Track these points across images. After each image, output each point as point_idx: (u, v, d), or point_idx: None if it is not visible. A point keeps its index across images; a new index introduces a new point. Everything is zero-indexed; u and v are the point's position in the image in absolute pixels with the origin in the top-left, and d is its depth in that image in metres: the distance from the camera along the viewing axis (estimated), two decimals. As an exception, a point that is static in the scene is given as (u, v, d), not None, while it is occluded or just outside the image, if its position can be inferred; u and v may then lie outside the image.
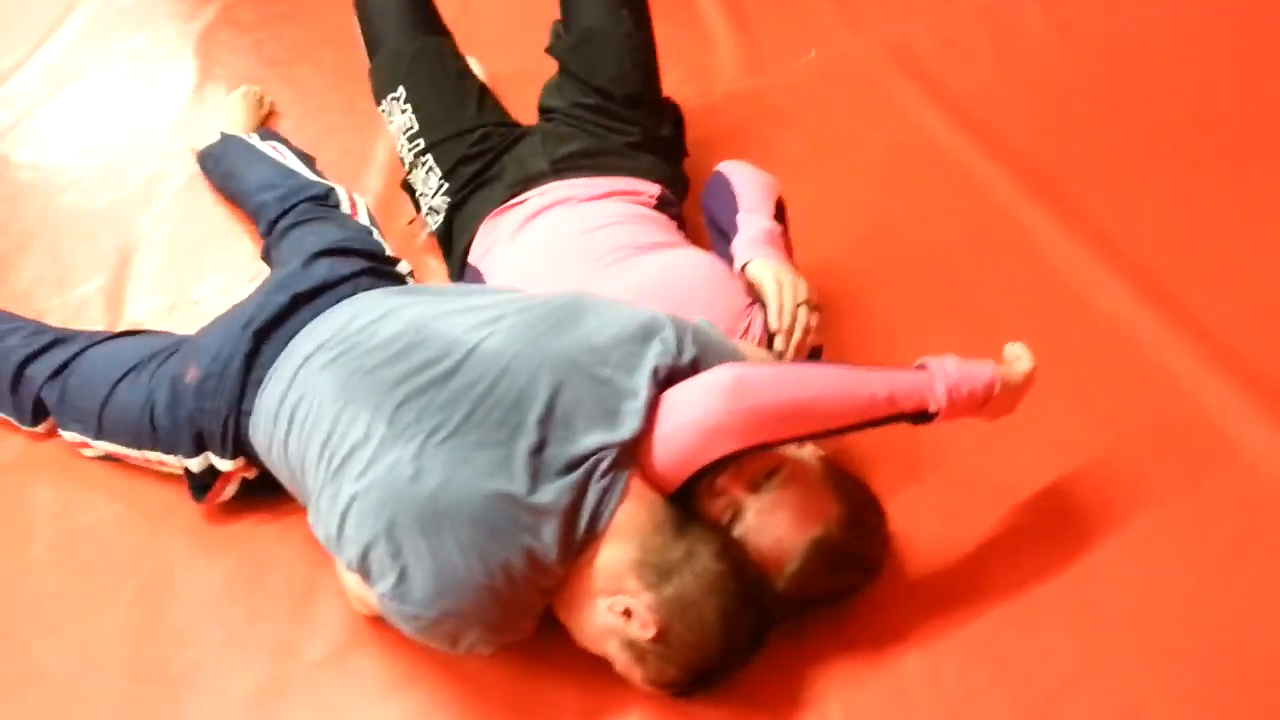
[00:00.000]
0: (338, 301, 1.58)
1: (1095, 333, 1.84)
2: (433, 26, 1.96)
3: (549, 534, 1.28)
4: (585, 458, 1.31)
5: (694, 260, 1.66)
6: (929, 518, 1.55)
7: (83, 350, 1.73)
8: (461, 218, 1.85)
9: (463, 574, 1.27)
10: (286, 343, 1.53)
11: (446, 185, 1.86)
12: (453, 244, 1.86)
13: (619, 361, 1.37)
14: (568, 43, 1.98)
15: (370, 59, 1.98)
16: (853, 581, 1.41)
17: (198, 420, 1.56)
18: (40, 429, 1.76)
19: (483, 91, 1.95)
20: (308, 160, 2.12)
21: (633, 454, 1.33)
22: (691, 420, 1.32)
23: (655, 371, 1.36)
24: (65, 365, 1.72)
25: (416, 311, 1.48)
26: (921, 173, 2.20)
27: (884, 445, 1.53)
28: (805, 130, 2.32)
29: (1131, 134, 2.25)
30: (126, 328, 1.95)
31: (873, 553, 1.42)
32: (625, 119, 1.91)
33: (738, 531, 1.35)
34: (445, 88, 1.90)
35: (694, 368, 1.39)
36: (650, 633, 1.27)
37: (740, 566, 1.31)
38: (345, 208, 1.95)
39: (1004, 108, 2.32)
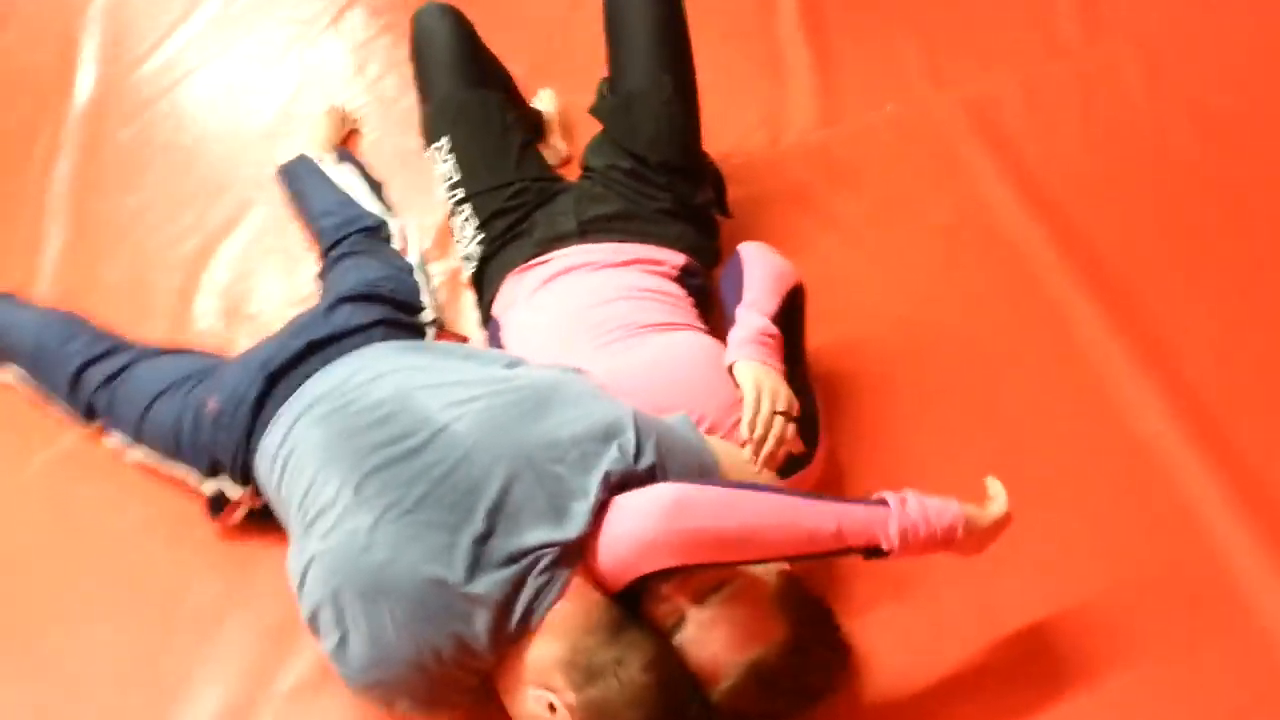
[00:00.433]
0: (350, 351, 1.67)
1: (1123, 453, 1.75)
2: (484, 79, 2.01)
3: (481, 623, 1.33)
4: (527, 553, 1.36)
5: (695, 346, 1.68)
6: (900, 640, 1.54)
7: (134, 362, 1.87)
8: (491, 269, 1.91)
9: (394, 649, 1.34)
10: (298, 386, 1.63)
11: (482, 236, 1.92)
12: (483, 292, 1.93)
13: (575, 460, 1.40)
14: (609, 104, 2.01)
15: (420, 106, 2.04)
16: (792, 706, 1.41)
17: (212, 449, 1.68)
18: (92, 428, 1.91)
19: (525, 146, 1.99)
20: (375, 186, 2.22)
21: (576, 554, 1.36)
22: (629, 533, 1.35)
23: (607, 476, 1.39)
24: (117, 374, 1.86)
25: (405, 380, 1.55)
26: (977, 250, 2.14)
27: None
28: (867, 190, 2.29)
29: (1214, 232, 2.11)
30: (187, 334, 2.11)
31: (815, 681, 1.41)
32: (658, 185, 1.92)
33: (678, 640, 1.37)
34: (487, 141, 1.95)
35: (651, 474, 1.41)
36: None
37: (669, 679, 1.32)
38: (396, 242, 2.05)
39: (1079, 185, 2.23)
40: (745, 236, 2.14)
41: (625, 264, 1.81)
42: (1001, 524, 1.43)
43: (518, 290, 1.84)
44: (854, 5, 2.73)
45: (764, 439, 1.51)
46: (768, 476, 1.52)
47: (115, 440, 1.85)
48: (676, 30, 1.98)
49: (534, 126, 2.25)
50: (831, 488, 1.71)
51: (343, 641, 1.36)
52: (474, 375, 1.55)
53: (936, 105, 2.47)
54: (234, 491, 1.70)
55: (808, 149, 2.40)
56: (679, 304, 1.79)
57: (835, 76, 2.57)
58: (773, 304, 1.66)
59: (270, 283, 2.23)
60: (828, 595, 1.53)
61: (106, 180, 2.51)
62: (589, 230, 1.86)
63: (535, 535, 1.36)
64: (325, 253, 2.07)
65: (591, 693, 1.30)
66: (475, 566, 1.34)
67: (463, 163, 1.94)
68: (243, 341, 1.99)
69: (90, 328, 1.99)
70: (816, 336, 1.92)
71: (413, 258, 2.02)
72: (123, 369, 1.87)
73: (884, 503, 1.38)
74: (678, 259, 1.86)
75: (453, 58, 1.97)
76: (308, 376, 1.63)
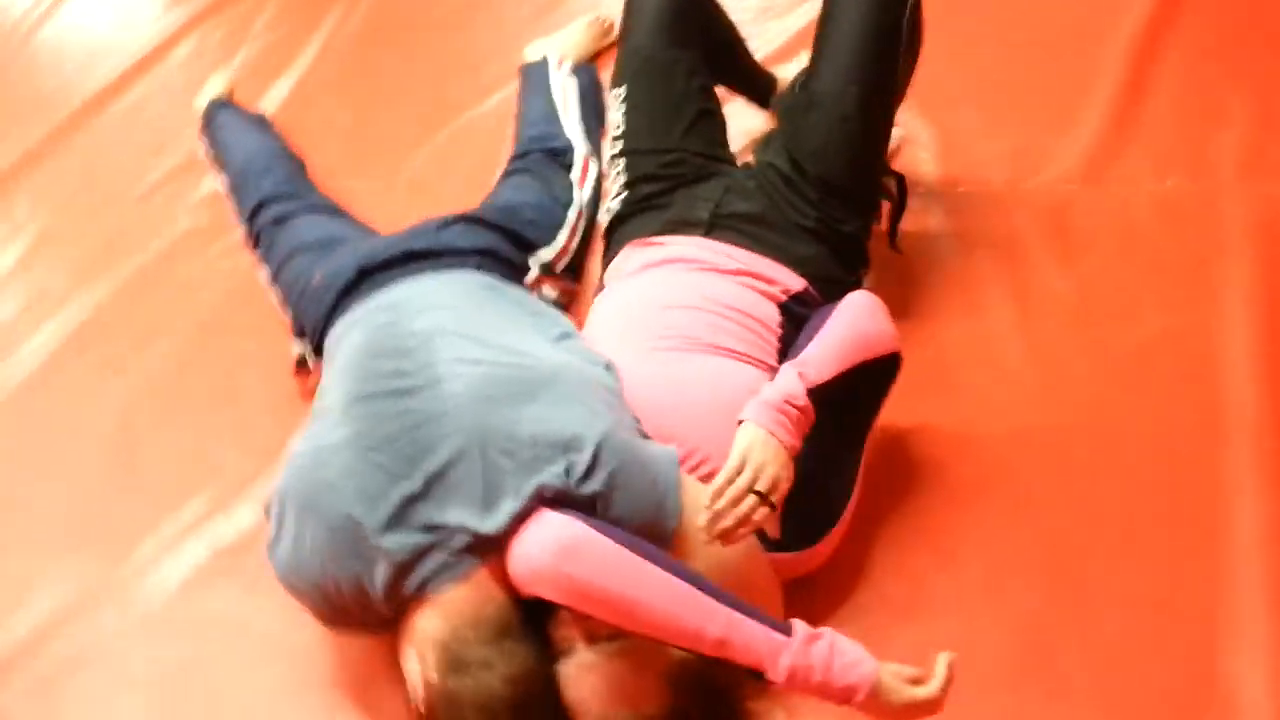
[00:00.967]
0: (437, 270, 1.73)
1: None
2: (686, 38, 1.91)
3: (380, 575, 1.39)
4: (443, 528, 1.38)
5: (736, 383, 1.57)
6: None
7: (300, 213, 2.05)
8: (620, 232, 1.87)
9: (306, 566, 1.43)
10: (379, 288, 1.71)
11: (625, 195, 1.88)
12: (608, 252, 1.91)
13: (525, 460, 1.38)
14: (790, 100, 1.87)
15: (617, 44, 1.99)
16: None
17: (302, 317, 1.83)
18: (255, 255, 2.12)
19: (701, 117, 1.90)
20: (594, 110, 2.22)
21: (490, 548, 1.37)
22: (523, 554, 1.33)
23: (541, 488, 1.36)
24: (283, 219, 2.05)
25: (443, 320, 1.58)
26: (1167, 381, 1.81)
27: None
28: (1084, 269, 1.98)
29: None
30: (380, 196, 2.27)
31: None
32: (808, 199, 1.78)
33: (562, 668, 1.35)
34: (662, 103, 1.88)
35: (592, 501, 1.37)
36: (419, 708, 1.35)
37: (526, 701, 1.31)
38: (575, 172, 2.06)
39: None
40: (911, 279, 1.99)
41: (732, 273, 1.72)
42: (920, 708, 1.28)
43: (628, 263, 1.80)
44: (1204, 52, 2.31)
45: (724, 513, 1.40)
46: (716, 550, 1.41)
47: (262, 276, 2.05)
48: (888, 44, 1.79)
49: (765, 86, 2.14)
50: (831, 575, 1.59)
51: (275, 538, 1.47)
52: (502, 339, 1.56)
53: (1228, 194, 2.06)
54: (311, 360, 1.84)
55: (1046, 201, 2.11)
56: (763, 333, 1.67)
57: (1132, 125, 2.20)
58: (827, 370, 1.51)
59: (452, 170, 2.31)
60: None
61: (385, 35, 2.69)
62: (718, 225, 1.77)
63: (457, 515, 1.38)
64: (510, 160, 2.12)
65: (450, 682, 1.33)
66: (394, 521, 1.39)
67: (631, 117, 1.89)
68: (413, 217, 2.10)
69: (289, 169, 2.19)
70: (912, 413, 1.74)
71: (582, 193, 2.03)
72: (289, 215, 2.05)
73: (789, 631, 1.28)
74: (795, 283, 1.73)
75: (659, 9, 1.89)
76: (390, 283, 1.71)
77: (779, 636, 1.27)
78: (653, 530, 1.40)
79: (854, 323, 1.58)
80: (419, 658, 1.37)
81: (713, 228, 1.77)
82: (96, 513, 1.92)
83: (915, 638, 1.49)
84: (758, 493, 1.39)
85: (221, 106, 2.43)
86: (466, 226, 1.84)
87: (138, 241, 2.38)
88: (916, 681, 1.28)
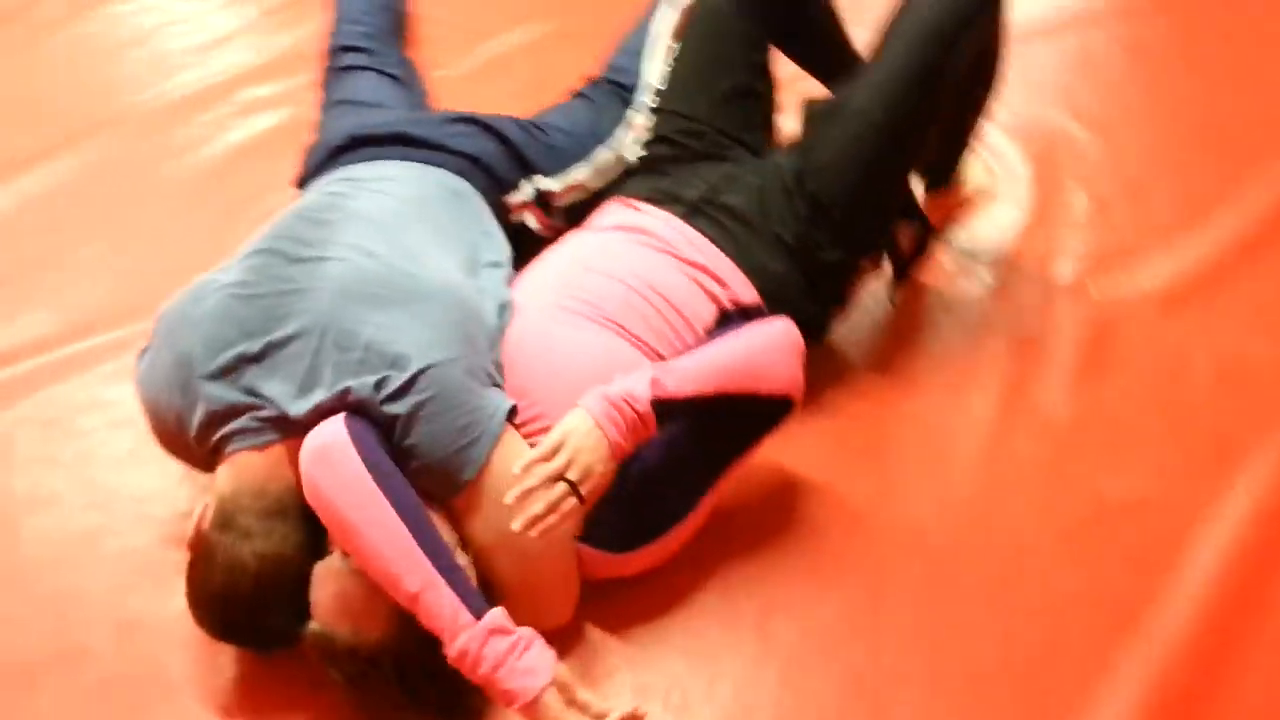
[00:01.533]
0: (415, 160, 1.71)
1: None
2: (765, 10, 1.77)
3: (195, 417, 1.43)
4: (258, 396, 1.40)
5: (618, 363, 1.48)
6: None
7: (365, 69, 2.09)
8: (619, 183, 1.80)
9: (150, 383, 1.49)
10: (363, 160, 1.73)
11: (641, 151, 1.80)
12: (602, 196, 1.82)
13: (352, 360, 1.38)
14: (819, 107, 1.72)
15: None
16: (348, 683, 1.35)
17: (308, 166, 1.84)
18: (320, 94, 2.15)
19: (741, 94, 1.77)
20: None
21: (291, 430, 1.38)
22: (302, 446, 1.33)
23: (346, 390, 1.36)
24: (349, 68, 2.10)
25: (373, 206, 1.59)
26: (1113, 552, 1.59)
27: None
28: (1088, 400, 1.76)
29: None
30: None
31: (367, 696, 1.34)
32: (796, 214, 1.65)
33: (317, 567, 1.35)
34: (707, 68, 1.77)
35: (391, 421, 1.36)
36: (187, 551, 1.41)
37: (267, 581, 1.33)
38: (636, 115, 1.96)
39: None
40: (900, 337, 1.84)
41: (688, 263, 1.62)
42: None
43: (605, 217, 1.73)
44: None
45: (533, 495, 1.33)
46: (505, 516, 1.35)
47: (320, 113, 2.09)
48: (929, 79, 1.62)
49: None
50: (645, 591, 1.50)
51: (146, 348, 1.54)
52: (412, 243, 1.54)
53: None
54: None
55: (1101, 312, 1.89)
56: (682, 330, 1.57)
57: (1243, 271, 1.94)
58: (688, 387, 1.40)
59: (549, 65, 2.27)
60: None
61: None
62: (700, 212, 1.67)
63: (276, 389, 1.40)
64: (589, 81, 2.04)
65: (212, 536, 1.36)
66: (222, 374, 1.42)
67: (674, 72, 1.79)
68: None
69: (379, 25, 2.22)
70: (829, 469, 1.63)
71: (623, 134, 1.93)
72: (355, 67, 2.09)
73: (480, 615, 1.26)
74: (748, 295, 1.62)
75: None
76: (373, 158, 1.72)
77: (466, 617, 1.25)
78: (444, 473, 1.37)
79: (748, 349, 1.47)
80: (205, 504, 1.41)
81: (695, 212, 1.67)
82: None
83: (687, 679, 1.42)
84: (568, 480, 1.33)
85: None
86: (471, 129, 1.81)
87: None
88: (596, 715, 1.25)
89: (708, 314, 1.59)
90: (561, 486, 1.33)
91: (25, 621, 1.55)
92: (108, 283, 2.01)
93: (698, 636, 1.50)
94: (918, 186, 1.83)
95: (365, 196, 1.62)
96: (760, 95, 1.80)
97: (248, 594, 1.33)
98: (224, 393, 1.41)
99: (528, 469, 1.33)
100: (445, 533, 1.35)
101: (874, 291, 1.88)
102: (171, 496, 1.66)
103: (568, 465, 1.33)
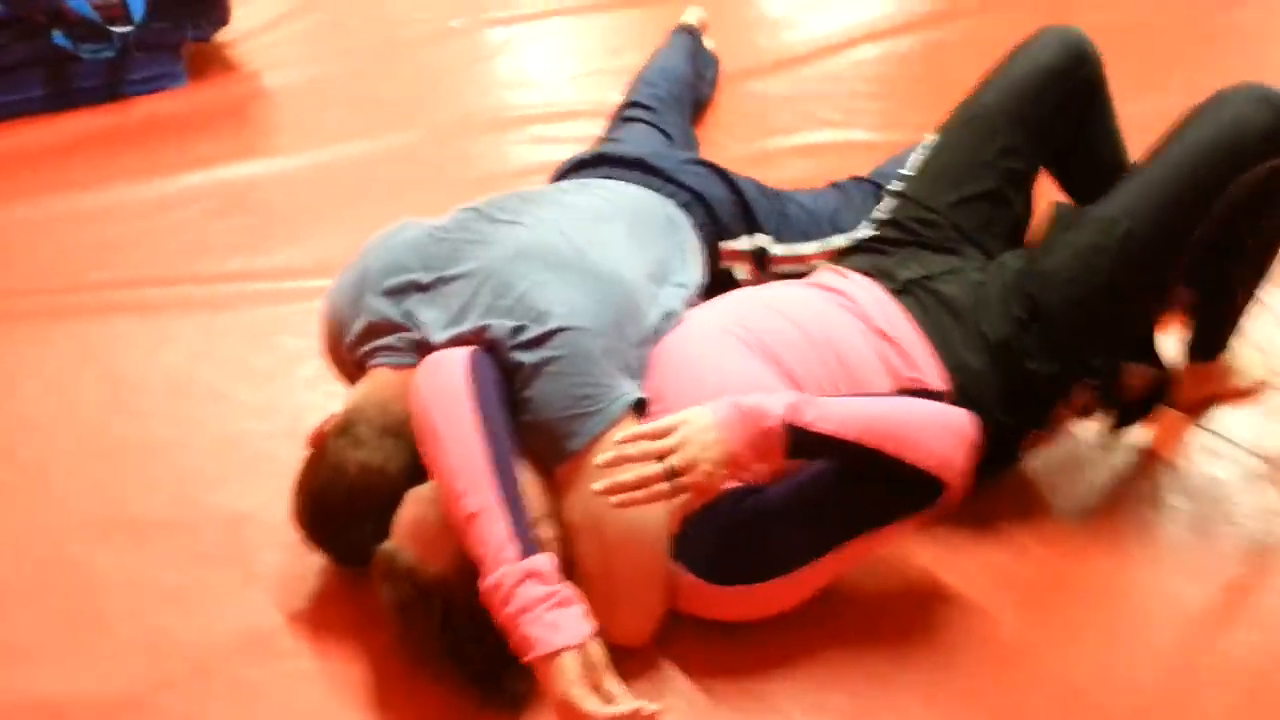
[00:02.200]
0: (648, 187, 1.73)
1: None
2: (1034, 121, 1.63)
3: (354, 328, 1.50)
4: (411, 320, 1.45)
5: (762, 390, 1.35)
6: None
7: (644, 121, 2.17)
8: (843, 257, 1.71)
9: (333, 292, 1.57)
10: (602, 176, 1.77)
11: (869, 232, 1.70)
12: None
13: (502, 306, 1.39)
14: (1062, 212, 1.55)
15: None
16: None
17: (554, 176, 1.92)
18: None
19: (987, 197, 1.63)
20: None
21: (427, 354, 1.39)
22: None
23: (485, 328, 1.36)
24: (629, 119, 2.19)
25: (587, 201, 1.63)
26: None
27: None
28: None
29: None
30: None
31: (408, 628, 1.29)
32: (1008, 315, 1.49)
33: (412, 490, 1.34)
34: (958, 165, 1.64)
35: (516, 368, 1.34)
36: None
37: (362, 491, 1.34)
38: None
39: None
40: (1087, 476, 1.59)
41: (876, 332, 1.49)
42: (570, 710, 1.16)
43: (809, 277, 1.65)
44: None
45: (624, 460, 1.23)
46: (603, 505, 1.25)
47: None
48: (1196, 197, 1.43)
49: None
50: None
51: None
52: (603, 235, 1.53)
53: None
54: None
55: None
56: (843, 395, 1.43)
57: None
58: (830, 424, 1.25)
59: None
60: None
61: None
62: (909, 292, 1.55)
63: (427, 316, 1.43)
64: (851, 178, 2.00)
65: (329, 438, 1.39)
66: (389, 293, 1.48)
67: (925, 163, 1.69)
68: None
69: (669, 92, 2.28)
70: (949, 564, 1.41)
71: (865, 228, 1.86)
72: (636, 120, 2.18)
73: (525, 555, 1.19)
74: (936, 383, 1.46)
75: (1023, 89, 1.63)
76: (609, 176, 1.76)
77: (511, 551, 1.18)
78: (553, 437, 1.32)
79: (909, 412, 1.31)
80: (340, 408, 1.44)
81: (903, 291, 1.55)
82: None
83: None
84: (673, 468, 1.22)
85: (685, 30, 2.56)
86: (707, 171, 1.81)
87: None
88: (605, 696, 1.14)
89: (882, 387, 1.44)
90: (658, 466, 1.23)
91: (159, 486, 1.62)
92: (359, 239, 2.13)
93: (773, 712, 1.31)
94: (1171, 343, 1.62)
95: (582, 194, 1.66)
96: (1008, 204, 1.64)
97: (340, 497, 1.34)
98: (385, 309, 1.46)
99: (632, 438, 1.25)
100: (537, 499, 1.29)
101: (1095, 441, 1.66)
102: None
103: (673, 449, 1.23)
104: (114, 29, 2.50)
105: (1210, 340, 1.66)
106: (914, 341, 1.48)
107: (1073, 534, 1.55)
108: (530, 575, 1.17)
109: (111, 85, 2.60)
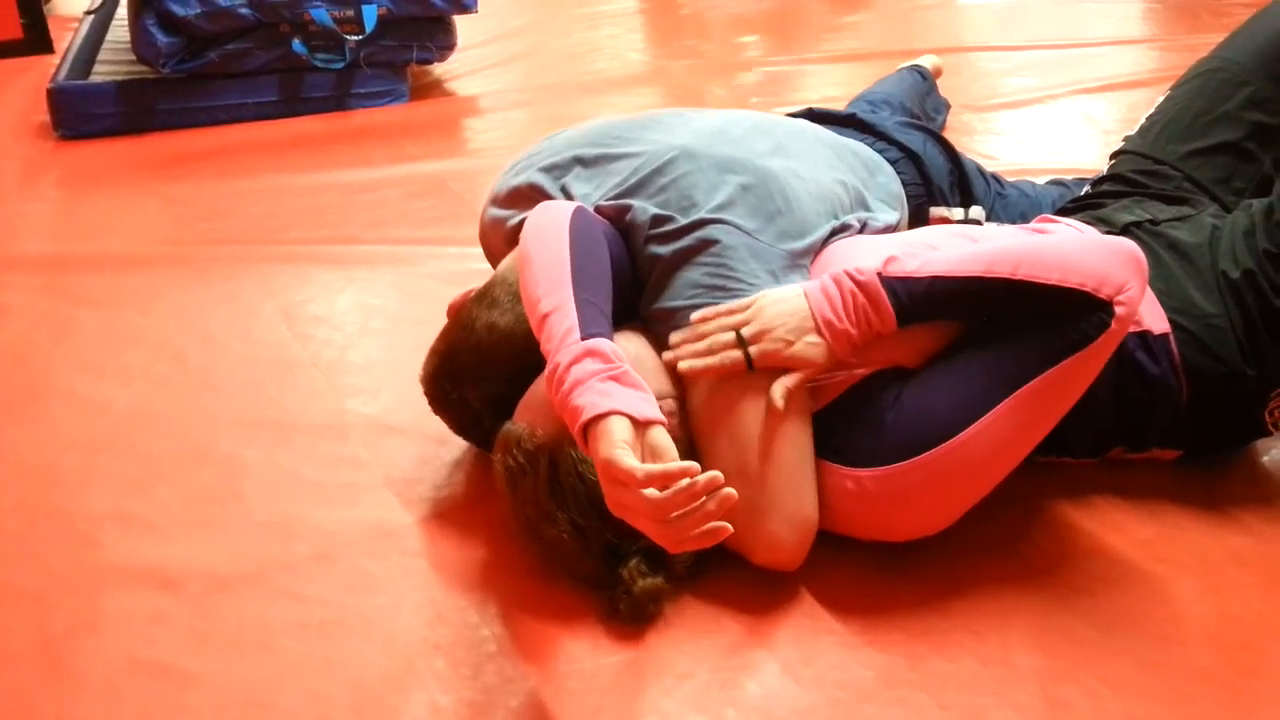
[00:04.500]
0: (856, 138, 1.65)
1: None
2: (1277, 74, 1.46)
3: (508, 195, 1.50)
4: (564, 192, 1.43)
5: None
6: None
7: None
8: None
9: (505, 173, 1.56)
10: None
11: (1081, 194, 1.55)
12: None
13: (654, 188, 1.33)
14: None
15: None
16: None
17: None
18: None
19: (1228, 149, 1.46)
20: None
21: None
22: None
23: (627, 207, 1.31)
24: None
25: (785, 123, 1.54)
26: None
27: None
28: None
29: None
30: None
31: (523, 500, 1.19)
32: (1254, 249, 1.29)
33: None
34: (1194, 114, 1.48)
35: (654, 262, 1.27)
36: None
37: (487, 352, 1.28)
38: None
39: None
40: None
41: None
42: (614, 470, 1.00)
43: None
44: None
45: (701, 334, 1.18)
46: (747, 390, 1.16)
47: None
48: None
49: None
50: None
51: None
52: (794, 147, 1.44)
53: None
54: None
55: None
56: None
57: None
58: (941, 265, 1.15)
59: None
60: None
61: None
62: (1129, 233, 1.37)
63: (580, 189, 1.40)
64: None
65: (471, 299, 1.35)
66: (552, 168, 1.46)
67: (1155, 115, 1.53)
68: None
69: (902, 102, 2.20)
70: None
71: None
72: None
73: (588, 336, 1.10)
74: (1158, 325, 1.27)
75: (1272, 44, 1.47)
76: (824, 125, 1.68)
77: (575, 335, 1.09)
78: (678, 326, 1.23)
79: (1044, 239, 1.18)
80: None
81: (1123, 233, 1.37)
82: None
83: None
84: (739, 335, 1.15)
85: (915, 69, 2.49)
86: (926, 137, 1.71)
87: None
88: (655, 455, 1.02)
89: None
90: (729, 335, 1.15)
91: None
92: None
93: (919, 665, 1.11)
94: None
95: (784, 121, 1.57)
96: (1255, 160, 1.46)
97: (465, 354, 1.29)
98: (542, 181, 1.43)
99: (711, 314, 1.18)
100: (658, 380, 1.19)
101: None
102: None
103: (746, 321, 1.16)
104: (347, 37, 2.67)
105: None
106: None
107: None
108: (590, 353, 1.07)
109: (338, 97, 2.75)
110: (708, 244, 1.23)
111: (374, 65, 2.74)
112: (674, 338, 1.20)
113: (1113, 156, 1.56)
